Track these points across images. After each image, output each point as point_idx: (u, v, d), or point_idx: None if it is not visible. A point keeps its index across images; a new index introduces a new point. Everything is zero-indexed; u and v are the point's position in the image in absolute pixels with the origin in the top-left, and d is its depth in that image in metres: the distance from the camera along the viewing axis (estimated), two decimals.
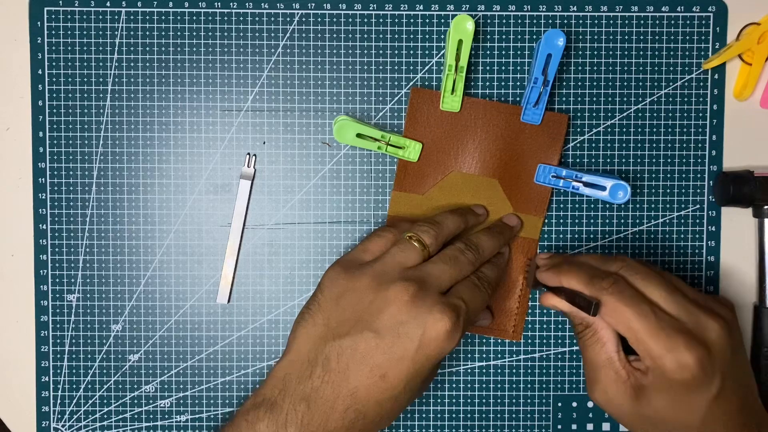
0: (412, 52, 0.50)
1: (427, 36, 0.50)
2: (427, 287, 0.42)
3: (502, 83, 0.50)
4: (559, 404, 0.52)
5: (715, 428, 0.42)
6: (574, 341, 0.51)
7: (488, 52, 0.50)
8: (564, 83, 0.51)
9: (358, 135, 0.48)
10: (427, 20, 0.50)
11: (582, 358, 0.47)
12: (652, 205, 0.51)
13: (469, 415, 0.51)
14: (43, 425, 0.51)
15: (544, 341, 0.51)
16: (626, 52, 0.50)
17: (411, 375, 0.41)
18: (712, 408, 0.41)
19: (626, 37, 0.50)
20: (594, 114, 0.51)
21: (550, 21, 0.50)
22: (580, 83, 0.51)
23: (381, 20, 0.50)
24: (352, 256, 0.45)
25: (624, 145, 0.51)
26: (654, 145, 0.51)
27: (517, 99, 0.50)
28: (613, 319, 0.42)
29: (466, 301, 0.42)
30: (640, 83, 0.51)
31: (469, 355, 0.51)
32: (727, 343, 0.42)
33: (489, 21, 0.50)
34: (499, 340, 0.51)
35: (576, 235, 0.51)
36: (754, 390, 0.44)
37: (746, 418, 0.43)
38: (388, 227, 0.47)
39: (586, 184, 0.49)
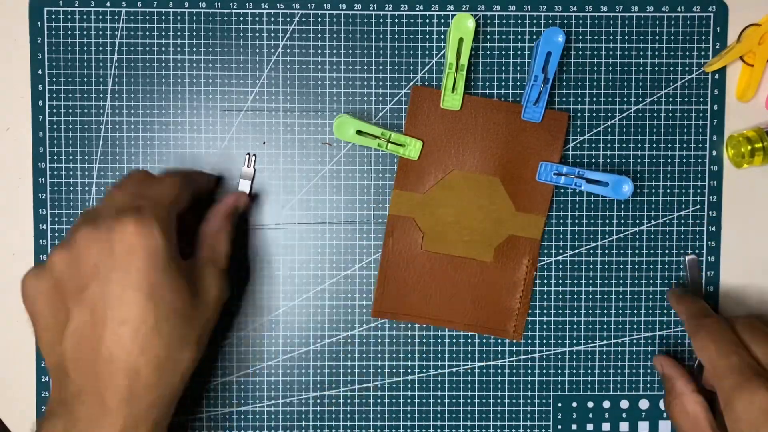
0: (412, 52, 0.50)
1: (427, 36, 0.50)
2: (100, 214, 0.40)
3: (502, 83, 0.50)
4: (559, 404, 0.51)
5: None
6: (575, 341, 0.51)
7: (488, 52, 0.50)
8: (564, 83, 0.51)
9: (359, 132, 0.48)
10: (427, 20, 0.50)
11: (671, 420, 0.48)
12: (652, 205, 0.51)
13: (469, 415, 0.51)
14: None
15: (544, 341, 0.51)
16: (626, 52, 0.51)
17: (144, 296, 0.38)
18: None
19: (626, 37, 0.50)
20: (594, 114, 0.51)
21: (550, 21, 0.50)
22: (580, 83, 0.51)
23: (381, 20, 0.50)
24: None
25: (624, 145, 0.51)
26: (654, 145, 0.51)
27: (517, 99, 0.50)
28: (700, 353, 0.43)
29: (144, 196, 0.41)
30: (640, 83, 0.51)
31: (469, 355, 0.51)
32: None
33: (489, 21, 0.50)
34: (499, 340, 0.51)
35: (576, 235, 0.51)
36: None
37: None
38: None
39: (589, 181, 0.48)
